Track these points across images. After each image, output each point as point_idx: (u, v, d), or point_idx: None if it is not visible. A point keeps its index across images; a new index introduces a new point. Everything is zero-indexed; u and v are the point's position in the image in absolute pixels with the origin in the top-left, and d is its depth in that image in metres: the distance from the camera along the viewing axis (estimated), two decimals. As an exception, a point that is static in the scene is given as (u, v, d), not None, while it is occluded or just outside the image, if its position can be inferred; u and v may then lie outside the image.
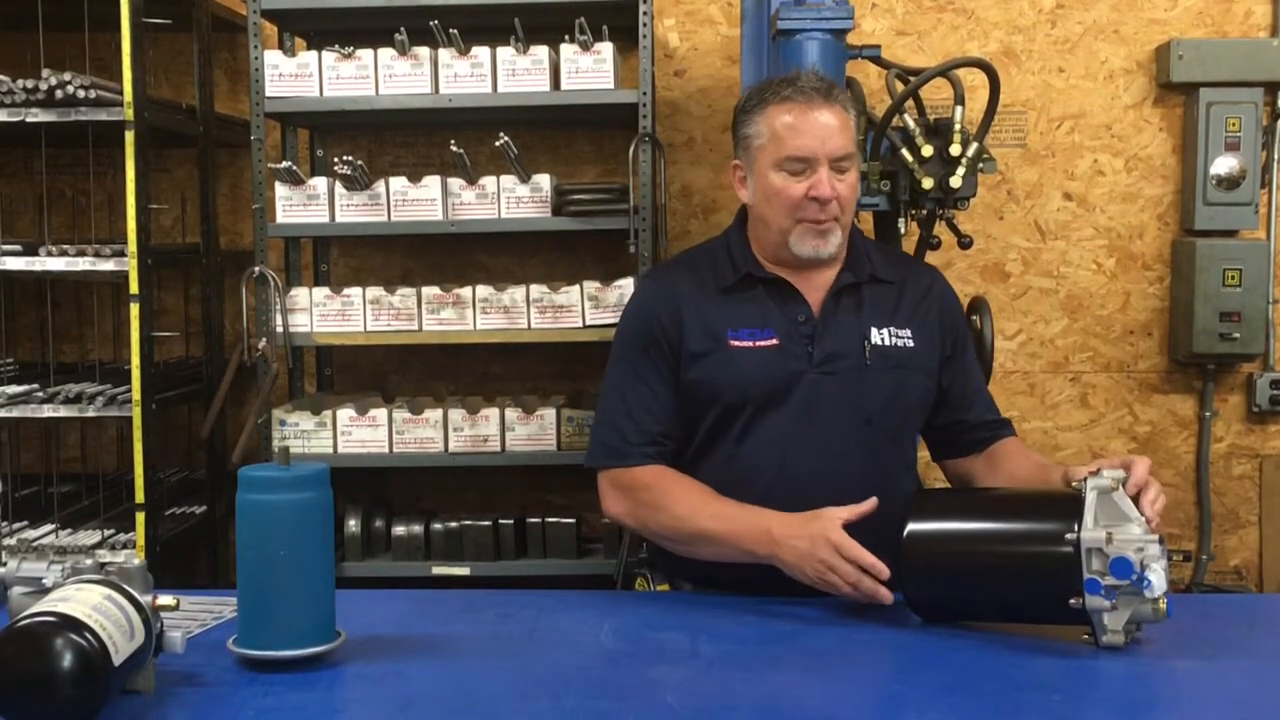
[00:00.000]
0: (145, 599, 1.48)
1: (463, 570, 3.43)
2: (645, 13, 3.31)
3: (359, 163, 3.30)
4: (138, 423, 3.27)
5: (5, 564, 1.56)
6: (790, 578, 1.90)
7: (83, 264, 3.32)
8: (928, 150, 3.06)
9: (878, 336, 2.16)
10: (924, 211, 3.18)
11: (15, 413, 3.34)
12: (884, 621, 1.73)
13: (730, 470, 2.11)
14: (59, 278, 3.59)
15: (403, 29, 3.30)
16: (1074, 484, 1.73)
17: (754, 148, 2.15)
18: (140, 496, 3.30)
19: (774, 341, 2.14)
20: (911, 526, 1.77)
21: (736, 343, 2.14)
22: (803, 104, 2.10)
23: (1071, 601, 1.64)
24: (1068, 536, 1.65)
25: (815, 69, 2.48)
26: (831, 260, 2.18)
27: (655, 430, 2.15)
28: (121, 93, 3.23)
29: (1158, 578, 1.60)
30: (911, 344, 2.18)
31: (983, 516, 1.82)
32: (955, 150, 3.05)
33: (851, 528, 1.87)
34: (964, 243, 3.23)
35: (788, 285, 2.18)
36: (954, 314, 2.29)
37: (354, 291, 3.39)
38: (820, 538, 1.86)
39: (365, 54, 3.36)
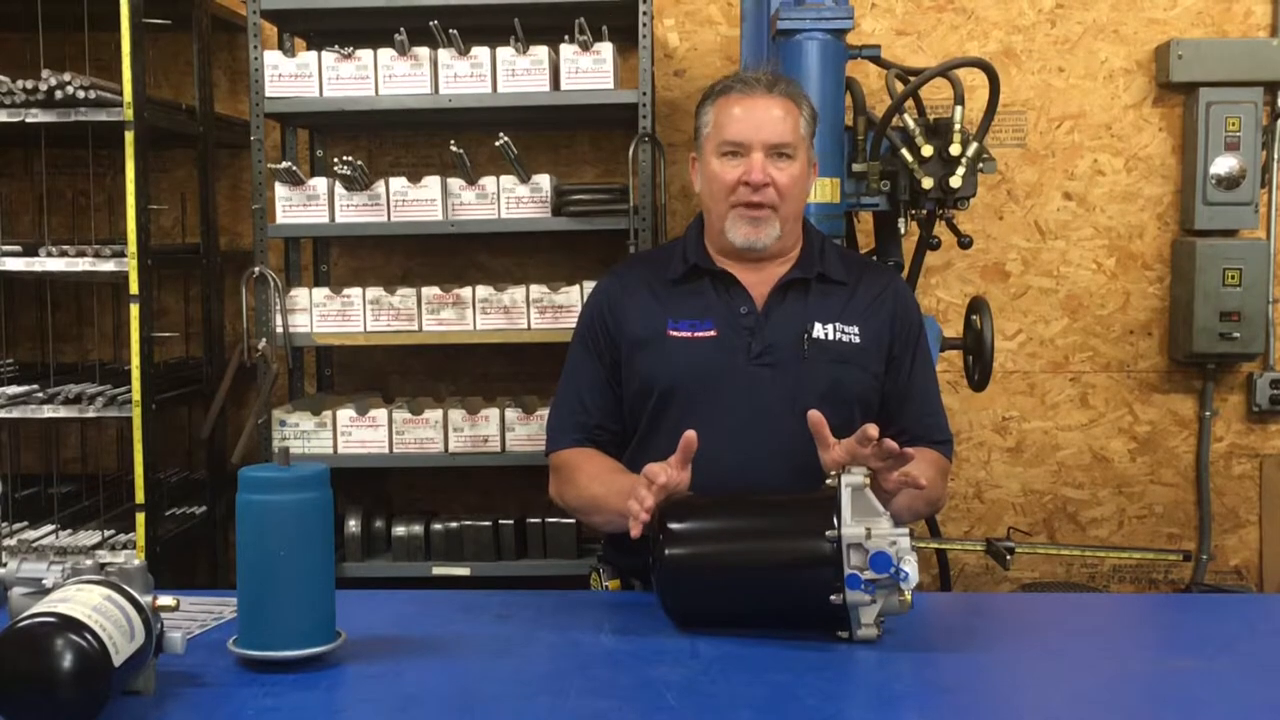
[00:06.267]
0: (145, 599, 1.47)
1: (463, 570, 3.43)
2: (645, 13, 3.31)
3: (359, 163, 3.31)
4: (138, 423, 3.28)
5: (5, 564, 1.56)
6: None
7: (82, 264, 3.32)
8: (927, 150, 3.07)
9: (820, 331, 2.18)
10: (924, 211, 3.19)
11: (15, 413, 3.34)
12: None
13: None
14: (59, 278, 3.59)
15: (402, 29, 3.30)
16: (828, 481, 1.74)
17: (702, 137, 2.24)
18: (140, 497, 3.30)
19: (712, 333, 2.18)
20: (669, 526, 1.77)
21: (675, 333, 2.19)
22: (744, 93, 2.18)
23: (833, 597, 1.67)
24: (828, 533, 1.67)
25: (773, 66, 2.51)
26: (774, 252, 2.22)
27: (584, 418, 2.25)
28: (121, 93, 3.23)
29: (912, 570, 1.64)
30: (858, 340, 2.19)
31: (740, 515, 1.83)
32: (955, 150, 3.06)
33: None
34: (964, 242, 3.24)
35: (734, 279, 2.22)
36: (907, 318, 2.27)
37: (354, 292, 3.39)
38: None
39: (365, 54, 3.36)
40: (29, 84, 3.24)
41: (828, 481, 1.75)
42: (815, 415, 1.85)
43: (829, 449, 1.84)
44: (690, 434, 1.86)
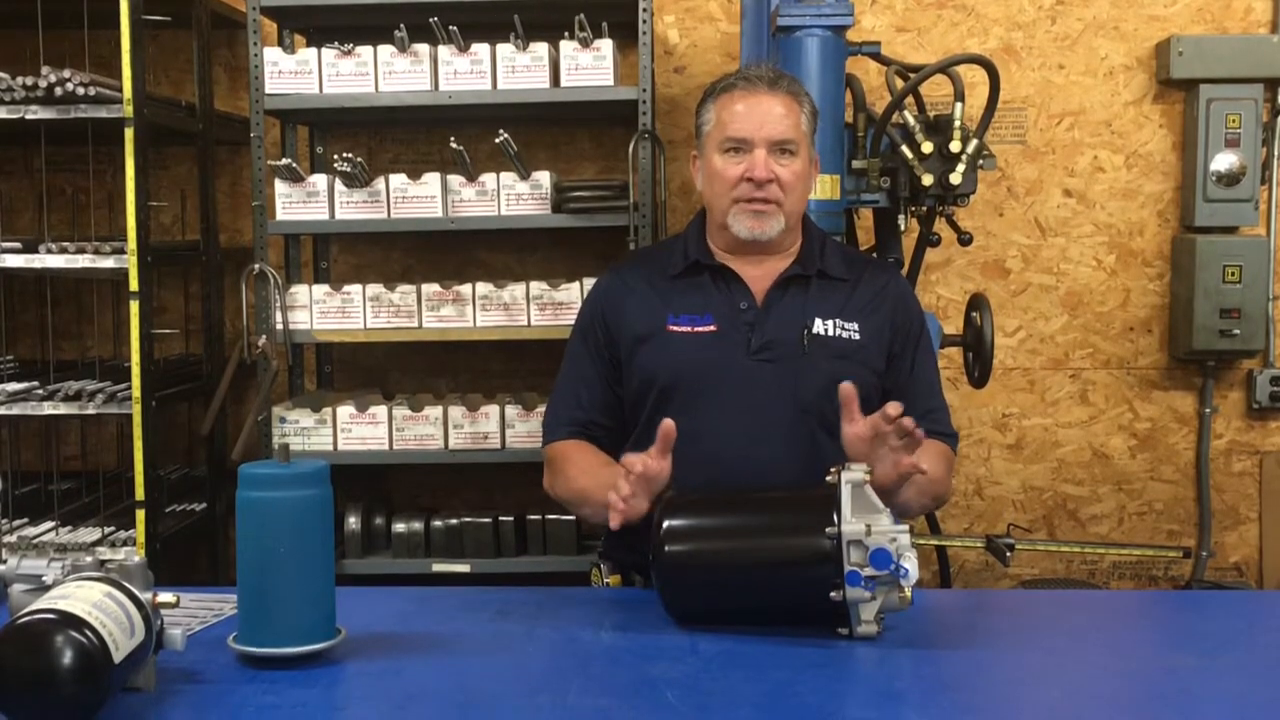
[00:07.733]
0: (145, 596, 1.48)
1: (463, 567, 3.44)
2: (645, 9, 3.31)
3: (359, 160, 3.30)
4: (138, 420, 3.28)
5: (5, 561, 1.56)
6: None
7: (82, 261, 3.32)
8: (928, 147, 3.07)
9: (820, 327, 2.18)
10: (924, 208, 3.19)
11: (15, 410, 3.34)
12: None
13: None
14: (59, 275, 3.59)
15: (402, 26, 3.30)
16: (828, 478, 1.74)
17: (704, 134, 2.24)
18: (140, 494, 3.30)
19: (712, 327, 2.19)
20: (668, 523, 1.77)
21: (675, 328, 2.20)
22: (746, 90, 2.19)
23: (833, 594, 1.67)
24: (828, 530, 1.67)
25: (772, 64, 2.51)
26: (776, 246, 2.22)
27: (579, 413, 2.26)
28: (121, 90, 3.23)
29: (912, 566, 1.64)
30: (858, 337, 2.20)
31: (740, 512, 1.83)
32: (955, 147, 3.05)
33: None
34: (964, 239, 3.24)
35: (734, 274, 2.23)
36: (908, 315, 2.28)
37: (354, 289, 3.39)
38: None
39: (365, 51, 3.36)
40: (29, 81, 3.23)
41: (827, 478, 1.75)
42: (847, 387, 1.87)
43: (854, 422, 1.84)
44: (668, 423, 1.88)
